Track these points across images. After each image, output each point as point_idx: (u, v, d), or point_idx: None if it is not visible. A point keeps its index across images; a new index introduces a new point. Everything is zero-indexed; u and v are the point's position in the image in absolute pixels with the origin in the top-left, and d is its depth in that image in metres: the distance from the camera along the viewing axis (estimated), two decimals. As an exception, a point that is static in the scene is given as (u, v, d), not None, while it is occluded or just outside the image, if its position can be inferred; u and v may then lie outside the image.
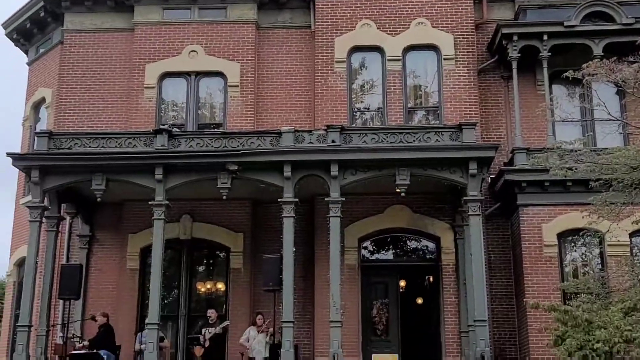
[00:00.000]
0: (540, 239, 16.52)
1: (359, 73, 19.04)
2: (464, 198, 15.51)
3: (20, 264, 19.41)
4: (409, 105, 18.61)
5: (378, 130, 16.27)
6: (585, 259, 16.80)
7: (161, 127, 16.76)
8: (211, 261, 18.78)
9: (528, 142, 17.71)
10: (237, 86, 18.94)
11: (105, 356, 15.52)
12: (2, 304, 25.57)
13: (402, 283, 18.85)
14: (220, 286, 18.22)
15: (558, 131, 17.62)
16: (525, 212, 16.74)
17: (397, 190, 15.69)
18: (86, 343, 15.91)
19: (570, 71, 13.45)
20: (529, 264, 16.43)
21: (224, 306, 17.81)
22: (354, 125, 18.16)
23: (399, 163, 15.47)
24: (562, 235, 16.65)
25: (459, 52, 18.52)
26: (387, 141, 15.76)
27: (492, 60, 18.85)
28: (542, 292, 15.99)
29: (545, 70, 17.72)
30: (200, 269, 18.77)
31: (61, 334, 17.09)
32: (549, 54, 17.74)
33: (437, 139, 15.77)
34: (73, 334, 16.98)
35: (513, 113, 18.14)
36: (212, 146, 15.91)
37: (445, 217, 17.39)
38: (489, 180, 17.63)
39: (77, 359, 15.60)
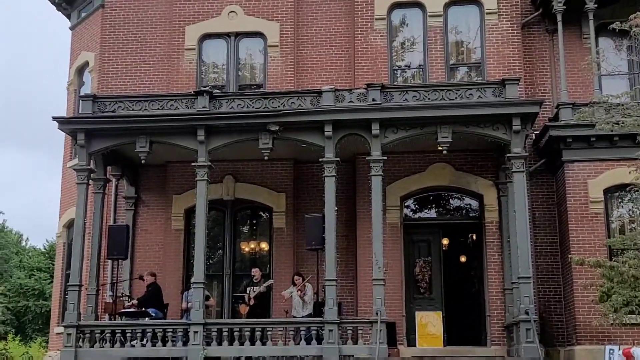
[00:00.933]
0: (586, 195, 16.29)
1: (399, 30, 18.78)
2: (508, 155, 15.31)
3: (69, 225, 19.88)
4: (451, 62, 18.32)
5: (419, 87, 16.06)
6: (633, 215, 16.48)
7: (202, 88, 16.83)
8: (254, 221, 18.98)
9: (573, 96, 17.34)
10: (276, 46, 18.87)
11: (153, 314, 15.94)
12: (53, 264, 26.29)
13: (445, 241, 18.80)
14: (264, 246, 18.43)
15: (604, 85, 17.25)
16: (570, 168, 16.50)
17: (439, 148, 15.58)
18: (135, 301, 16.33)
19: (617, 23, 13.11)
20: (574, 221, 16.23)
21: (268, 265, 18.04)
22: (395, 83, 17.99)
23: (440, 120, 15.33)
24: (608, 191, 16.39)
25: (502, 5, 18.10)
26: (429, 99, 15.58)
27: (536, 13, 18.38)
28: (588, 249, 15.81)
29: (591, 23, 17.24)
30: (244, 229, 18.98)
31: (110, 293, 17.54)
32: (595, 5, 17.22)
33: (479, 96, 15.53)
34: (122, 293, 17.47)
35: (558, 68, 17.74)
36: (253, 107, 15.93)
37: (489, 175, 17.24)
38: (533, 137, 17.38)
39: (126, 317, 16.06)
